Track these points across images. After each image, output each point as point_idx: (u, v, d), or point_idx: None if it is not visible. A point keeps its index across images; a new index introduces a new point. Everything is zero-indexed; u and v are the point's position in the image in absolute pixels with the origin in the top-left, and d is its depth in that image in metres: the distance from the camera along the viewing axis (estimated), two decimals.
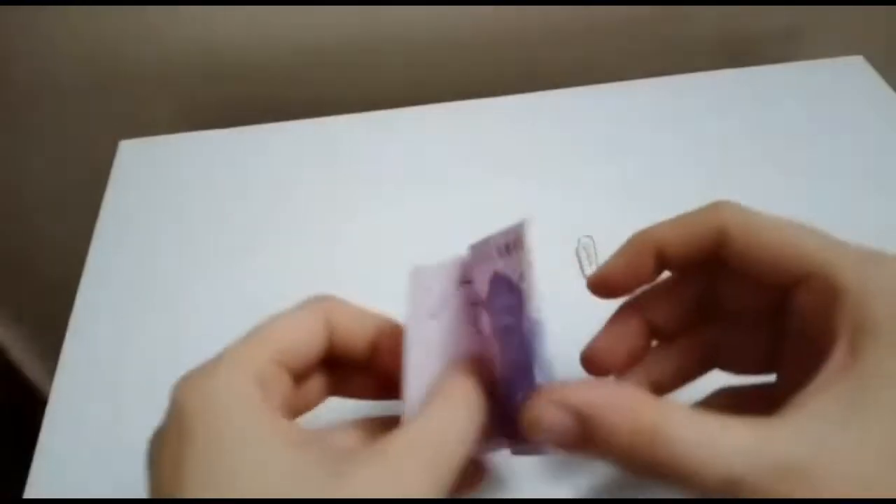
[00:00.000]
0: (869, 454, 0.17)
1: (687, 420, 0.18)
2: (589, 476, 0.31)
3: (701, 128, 0.48)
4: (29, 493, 0.33)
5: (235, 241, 0.43)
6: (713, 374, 0.26)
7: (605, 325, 0.27)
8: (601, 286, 0.25)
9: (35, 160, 0.59)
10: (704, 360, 0.26)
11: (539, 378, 0.21)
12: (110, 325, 0.39)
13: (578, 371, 0.26)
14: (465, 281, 0.25)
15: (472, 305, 0.25)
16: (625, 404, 0.19)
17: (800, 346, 0.22)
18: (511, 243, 0.23)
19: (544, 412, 0.20)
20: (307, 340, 0.23)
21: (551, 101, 0.51)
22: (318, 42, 0.53)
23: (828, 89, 0.51)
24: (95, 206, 0.45)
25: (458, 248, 0.25)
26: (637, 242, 0.24)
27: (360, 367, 0.25)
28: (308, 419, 0.24)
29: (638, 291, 0.26)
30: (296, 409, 0.24)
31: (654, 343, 0.27)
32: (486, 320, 0.24)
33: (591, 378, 0.26)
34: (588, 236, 0.41)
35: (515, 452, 0.24)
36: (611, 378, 0.26)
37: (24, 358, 0.76)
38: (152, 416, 0.21)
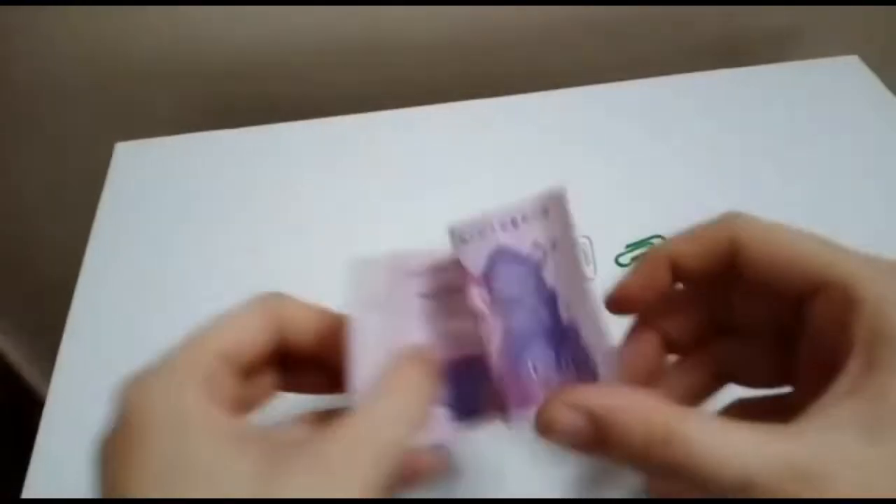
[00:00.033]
0: (882, 465, 0.17)
1: (701, 422, 0.18)
2: (589, 475, 0.31)
3: (698, 127, 0.49)
4: (27, 494, 0.33)
5: (233, 241, 0.43)
6: (729, 388, 0.26)
7: (622, 341, 0.27)
8: (619, 303, 0.25)
9: (33, 160, 0.59)
10: (720, 374, 0.26)
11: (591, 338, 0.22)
12: (107, 326, 0.39)
13: None
14: (415, 273, 0.25)
15: (422, 297, 0.25)
16: (638, 407, 0.19)
17: (815, 357, 0.22)
18: (519, 217, 0.24)
19: (558, 414, 0.20)
20: (253, 337, 0.23)
21: (551, 101, 0.51)
22: (316, 42, 0.53)
23: (823, 89, 0.51)
24: (93, 207, 0.45)
25: None
26: (652, 258, 0.25)
27: (311, 363, 0.25)
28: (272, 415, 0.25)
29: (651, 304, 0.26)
30: (246, 406, 0.24)
31: (670, 358, 0.27)
32: (478, 295, 0.24)
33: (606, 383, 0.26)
34: (585, 237, 0.41)
35: (508, 422, 0.24)
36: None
37: (21, 359, 0.76)
38: None
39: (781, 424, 0.18)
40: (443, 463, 0.23)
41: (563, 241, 0.24)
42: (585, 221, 0.41)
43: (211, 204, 0.45)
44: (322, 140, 0.49)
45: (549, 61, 0.57)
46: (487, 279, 0.24)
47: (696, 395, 0.26)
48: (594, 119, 0.49)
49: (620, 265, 0.40)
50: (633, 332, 0.26)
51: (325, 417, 0.24)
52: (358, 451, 0.20)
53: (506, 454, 0.32)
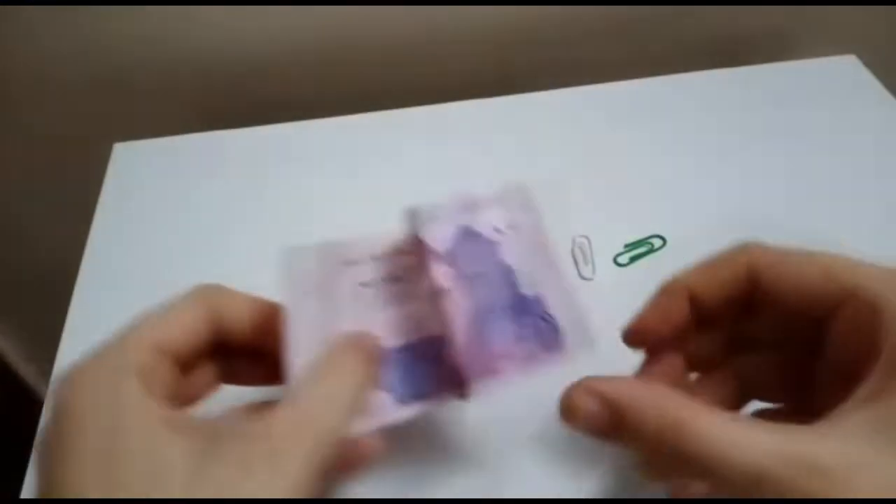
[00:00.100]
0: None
1: (714, 415, 0.19)
2: (589, 477, 0.31)
3: (697, 127, 0.49)
4: (26, 494, 0.33)
5: (232, 242, 0.43)
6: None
7: (643, 362, 0.27)
8: (637, 337, 0.26)
9: (32, 160, 0.59)
10: (742, 391, 0.26)
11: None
12: (106, 326, 0.39)
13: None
14: (353, 262, 0.26)
15: (363, 286, 0.26)
16: (653, 396, 0.20)
17: (837, 367, 0.22)
18: (478, 202, 0.26)
19: (579, 400, 0.21)
20: (188, 329, 0.23)
21: (550, 100, 0.51)
22: (316, 43, 0.53)
23: (822, 89, 0.51)
24: (91, 207, 0.45)
25: None
26: (669, 290, 0.25)
27: (251, 354, 0.25)
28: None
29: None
30: (186, 399, 0.24)
31: (692, 377, 0.27)
32: (443, 272, 0.25)
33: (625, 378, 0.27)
34: (584, 236, 0.41)
35: (466, 397, 0.24)
36: None
37: (19, 360, 0.76)
38: None
39: (797, 425, 0.19)
40: (382, 449, 0.23)
41: (526, 225, 0.26)
42: (584, 221, 0.42)
43: (210, 204, 0.45)
44: (322, 140, 0.49)
45: (548, 61, 0.57)
46: (450, 257, 0.25)
47: None
48: (594, 118, 0.50)
49: (619, 265, 0.40)
50: (655, 351, 0.27)
51: (265, 408, 0.23)
52: (289, 441, 0.20)
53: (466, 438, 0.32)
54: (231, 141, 0.49)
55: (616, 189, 0.44)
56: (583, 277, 0.39)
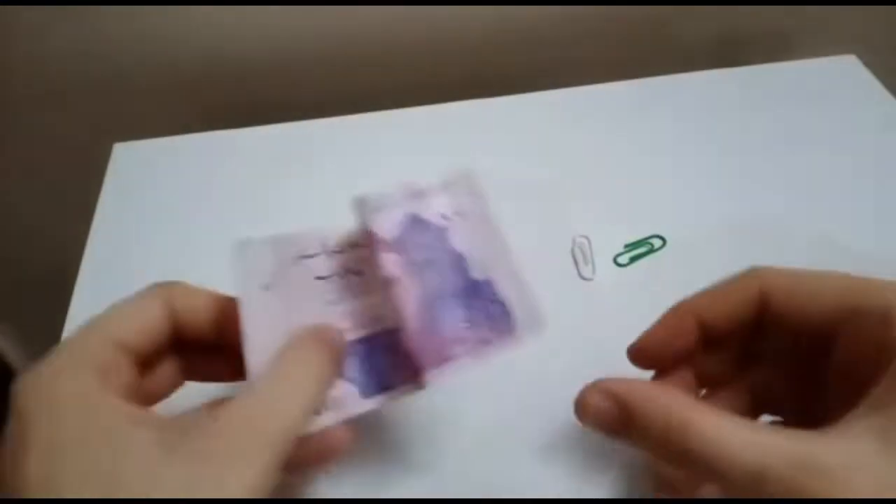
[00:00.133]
0: None
1: (720, 416, 0.19)
2: (589, 476, 0.31)
3: (697, 127, 0.49)
4: None
5: (231, 242, 0.43)
6: None
7: (653, 377, 0.27)
8: (641, 356, 0.26)
9: (31, 160, 0.59)
10: (753, 405, 0.27)
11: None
12: None
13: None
14: (309, 255, 0.26)
15: (320, 279, 0.26)
16: (661, 396, 0.21)
17: (846, 379, 0.22)
18: (424, 190, 0.26)
19: (591, 398, 0.22)
20: (147, 326, 0.23)
21: (550, 100, 0.51)
22: (316, 43, 0.53)
23: (821, 89, 0.51)
24: (91, 207, 0.45)
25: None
26: (678, 314, 0.25)
27: (212, 350, 0.25)
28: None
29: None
30: (148, 396, 0.24)
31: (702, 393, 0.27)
32: (392, 260, 0.25)
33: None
34: (584, 236, 0.41)
35: (423, 385, 0.24)
36: None
37: (18, 360, 0.76)
38: None
39: (803, 430, 0.19)
40: (351, 441, 0.23)
41: (474, 212, 0.26)
42: (584, 221, 0.42)
43: (209, 204, 0.45)
44: (322, 140, 0.49)
45: (548, 61, 0.57)
46: (399, 245, 0.25)
47: None
48: (594, 118, 0.50)
49: (619, 265, 0.40)
50: (664, 371, 0.27)
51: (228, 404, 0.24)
52: (245, 436, 0.20)
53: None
54: (231, 141, 0.49)
55: (616, 189, 0.44)
56: (583, 277, 0.39)
